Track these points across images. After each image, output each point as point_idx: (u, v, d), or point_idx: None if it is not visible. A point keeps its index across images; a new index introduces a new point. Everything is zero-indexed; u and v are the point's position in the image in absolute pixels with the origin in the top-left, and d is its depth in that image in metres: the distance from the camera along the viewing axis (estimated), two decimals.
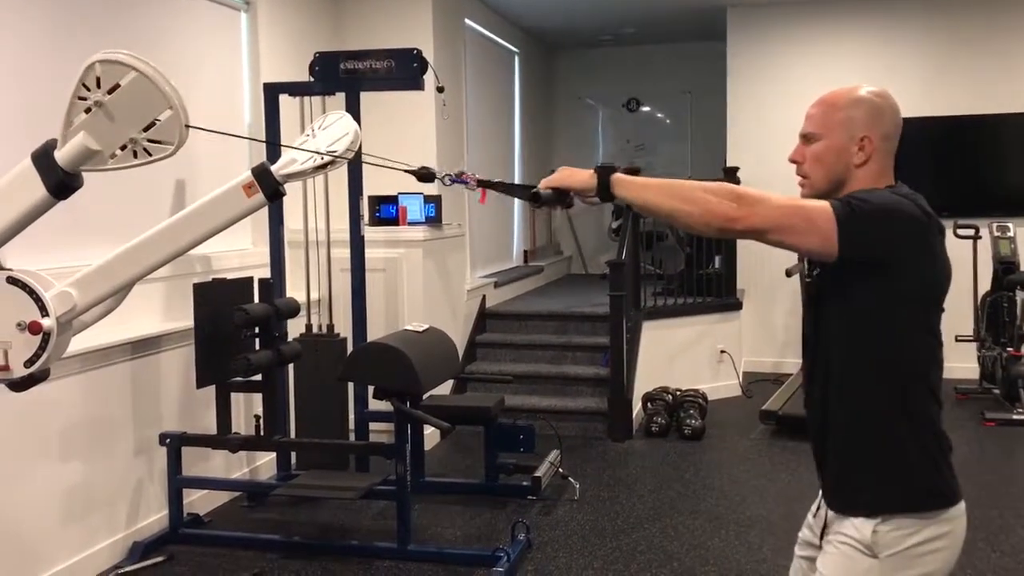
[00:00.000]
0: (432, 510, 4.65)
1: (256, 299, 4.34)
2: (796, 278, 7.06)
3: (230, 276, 4.51)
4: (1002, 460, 5.49)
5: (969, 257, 6.62)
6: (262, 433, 4.23)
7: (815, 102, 1.93)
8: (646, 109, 10.46)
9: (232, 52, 5.29)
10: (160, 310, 4.49)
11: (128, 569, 3.95)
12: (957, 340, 6.47)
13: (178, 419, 4.45)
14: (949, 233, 1.88)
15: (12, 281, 2.17)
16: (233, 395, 4.27)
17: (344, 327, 5.11)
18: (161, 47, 4.57)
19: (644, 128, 10.43)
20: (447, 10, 6.61)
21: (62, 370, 3.64)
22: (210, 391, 4.19)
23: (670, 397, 6.23)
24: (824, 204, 1.74)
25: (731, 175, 7.13)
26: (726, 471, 5.38)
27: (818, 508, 1.98)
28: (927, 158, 7.26)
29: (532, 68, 9.64)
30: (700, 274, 7.19)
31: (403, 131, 6.00)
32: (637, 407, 6.27)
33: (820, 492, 1.98)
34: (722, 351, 7.11)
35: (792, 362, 7.68)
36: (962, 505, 1.84)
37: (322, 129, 2.44)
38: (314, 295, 5.21)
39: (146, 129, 2.02)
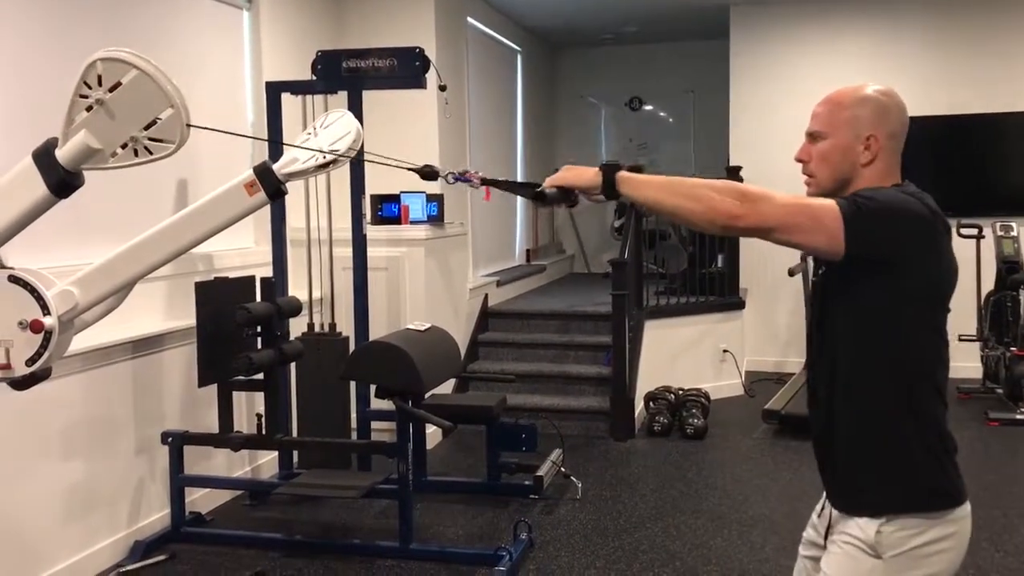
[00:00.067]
0: (434, 509, 4.64)
1: (258, 298, 4.34)
2: (799, 277, 7.05)
3: (232, 275, 4.51)
4: (1006, 460, 5.48)
5: (972, 257, 6.60)
6: (264, 432, 4.22)
7: (821, 101, 1.92)
8: (649, 108, 10.45)
9: (234, 50, 5.29)
10: (162, 309, 4.49)
11: (130, 568, 3.95)
12: (960, 340, 6.46)
13: (180, 418, 4.45)
14: (952, 233, 1.86)
15: (14, 280, 2.16)
16: (235, 394, 4.27)
17: (346, 326, 5.11)
18: (163, 45, 4.56)
19: (647, 127, 10.42)
20: (449, 9, 6.60)
21: (64, 369, 3.64)
22: (212, 390, 4.18)
23: (672, 396, 6.22)
24: (830, 202, 1.73)
25: (734, 174, 7.12)
26: (728, 470, 5.37)
27: (823, 508, 1.98)
28: (930, 157, 7.24)
29: (535, 67, 9.63)
30: (703, 273, 7.18)
31: (405, 130, 5.99)
32: (639, 406, 6.26)
33: (824, 492, 1.97)
34: (724, 350, 7.10)
35: (795, 361, 7.67)
36: (967, 506, 1.84)
37: (324, 128, 2.43)
38: (316, 294, 5.21)
39: (147, 128, 2.01)
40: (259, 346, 4.22)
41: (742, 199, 1.73)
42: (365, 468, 4.94)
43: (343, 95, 4.85)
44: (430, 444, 5.38)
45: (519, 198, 8.92)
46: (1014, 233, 6.71)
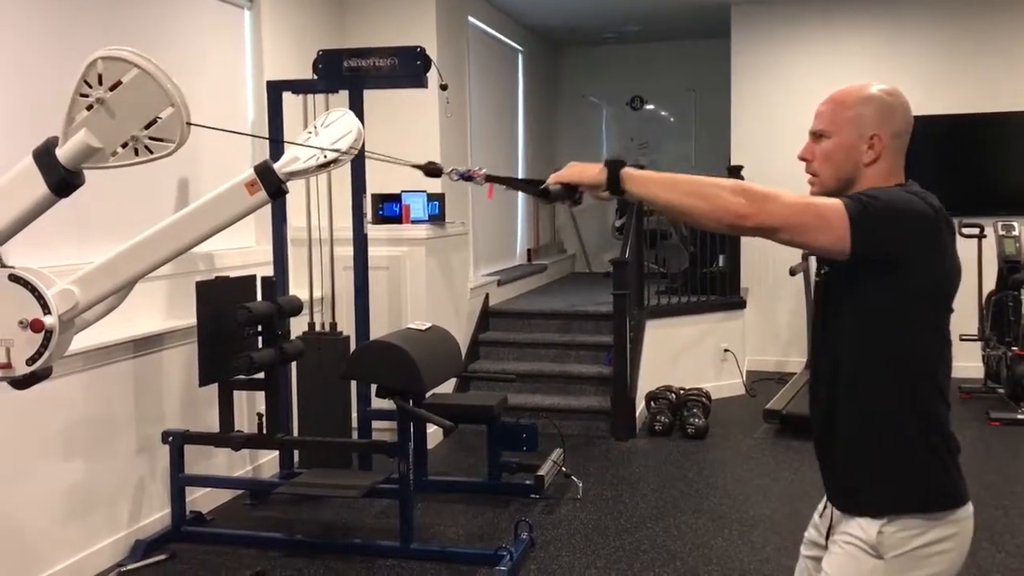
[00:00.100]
0: (435, 509, 4.64)
1: (259, 297, 4.33)
2: (800, 276, 7.05)
3: (233, 274, 4.51)
4: (1007, 460, 5.47)
5: (974, 256, 6.60)
6: (265, 431, 4.22)
7: (825, 100, 1.91)
8: (650, 107, 10.44)
9: (235, 49, 5.29)
10: (163, 308, 4.49)
11: (130, 567, 3.95)
12: (962, 339, 6.45)
13: (180, 417, 4.44)
14: (956, 233, 1.86)
15: (14, 279, 2.17)
16: (236, 393, 4.27)
17: (347, 325, 5.10)
18: (164, 44, 4.56)
19: (648, 126, 10.42)
20: (451, 8, 6.60)
21: (64, 368, 3.64)
22: (213, 389, 4.18)
23: (673, 396, 6.21)
24: (836, 202, 1.72)
25: (735, 173, 7.11)
26: (729, 470, 5.36)
27: (824, 508, 1.97)
28: (932, 157, 7.23)
29: (536, 66, 9.62)
30: (704, 273, 7.17)
31: (406, 129, 5.99)
32: (640, 406, 6.26)
33: (825, 491, 1.96)
34: (726, 350, 7.10)
35: (796, 361, 7.67)
36: (970, 507, 1.83)
37: (325, 127, 2.43)
38: (317, 293, 5.21)
39: (147, 127, 2.01)
40: (260, 345, 4.22)
41: (749, 198, 1.71)
42: (366, 468, 4.93)
43: (344, 94, 4.85)
44: (431, 444, 5.38)
45: (520, 198, 8.94)
46: (1016, 232, 6.70)
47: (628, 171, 1.84)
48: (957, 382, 6.57)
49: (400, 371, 4.05)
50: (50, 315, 2.16)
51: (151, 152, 2.04)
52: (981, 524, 1.99)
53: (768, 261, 7.72)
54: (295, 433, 4.90)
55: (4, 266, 2.21)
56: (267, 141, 4.88)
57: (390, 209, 5.78)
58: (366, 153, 2.37)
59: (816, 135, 1.91)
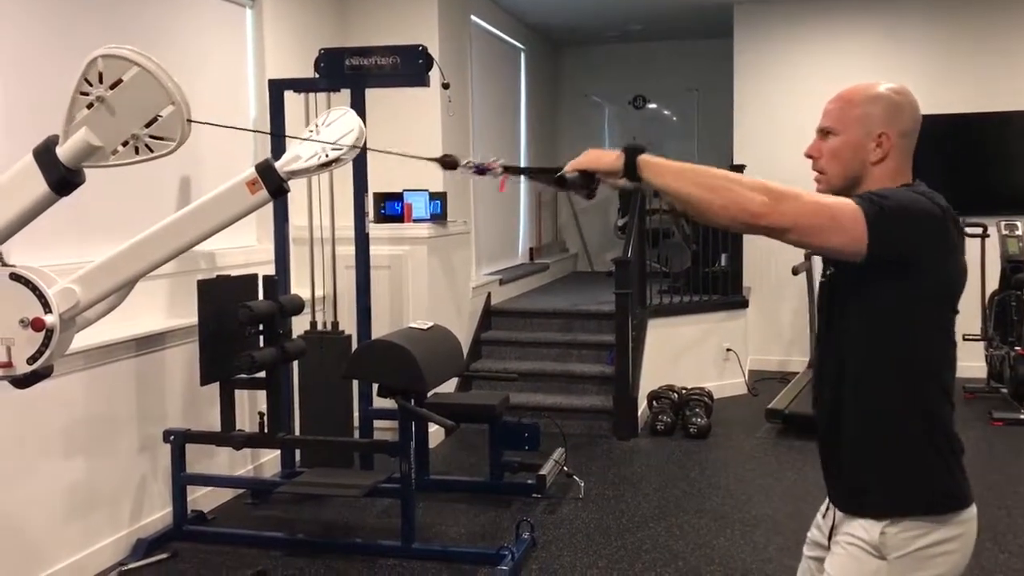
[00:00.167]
0: (436, 508, 4.63)
1: (260, 296, 4.33)
2: (802, 276, 7.04)
3: (234, 273, 4.51)
4: (1010, 460, 5.46)
5: (977, 256, 6.58)
6: (266, 430, 4.22)
7: (833, 98, 1.90)
8: (652, 106, 10.43)
9: (237, 48, 5.29)
10: (164, 307, 4.49)
11: (132, 566, 3.95)
12: (965, 339, 6.43)
13: (182, 416, 4.44)
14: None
15: (15, 277, 2.16)
16: (237, 392, 4.26)
17: (349, 324, 5.10)
18: (166, 43, 4.56)
19: (650, 125, 10.41)
20: (453, 6, 6.59)
21: (65, 367, 3.63)
22: (214, 388, 4.18)
23: (675, 395, 6.21)
24: (850, 203, 1.69)
25: (737, 172, 7.10)
26: (732, 470, 5.36)
27: (827, 508, 1.96)
28: (934, 157, 7.18)
29: (538, 65, 9.61)
30: (706, 272, 7.17)
31: (408, 127, 5.98)
32: (642, 405, 6.25)
33: (828, 492, 1.96)
34: (728, 349, 7.09)
35: (798, 360, 7.66)
36: (974, 508, 1.82)
37: (326, 125, 2.43)
38: (319, 292, 5.20)
39: (148, 125, 2.01)
40: (261, 344, 4.21)
41: (768, 196, 1.66)
42: (367, 467, 4.93)
43: (346, 93, 4.84)
44: (432, 443, 5.37)
45: (523, 197, 8.93)
46: (1019, 232, 6.69)
47: (646, 158, 1.79)
48: (960, 382, 6.51)
49: (402, 370, 4.05)
50: (51, 314, 2.15)
51: (151, 151, 2.03)
52: (984, 525, 1.98)
53: (771, 260, 7.71)
54: (296, 432, 4.90)
55: (5, 265, 2.21)
56: (268, 141, 4.87)
57: (392, 208, 5.77)
58: (382, 150, 2.35)
59: (823, 132, 1.90)
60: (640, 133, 10.36)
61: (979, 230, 6.62)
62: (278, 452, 5.02)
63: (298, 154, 2.35)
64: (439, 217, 5.89)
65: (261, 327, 4.21)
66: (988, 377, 6.73)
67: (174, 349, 4.39)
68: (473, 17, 7.24)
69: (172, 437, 4.18)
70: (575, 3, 8.21)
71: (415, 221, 5.76)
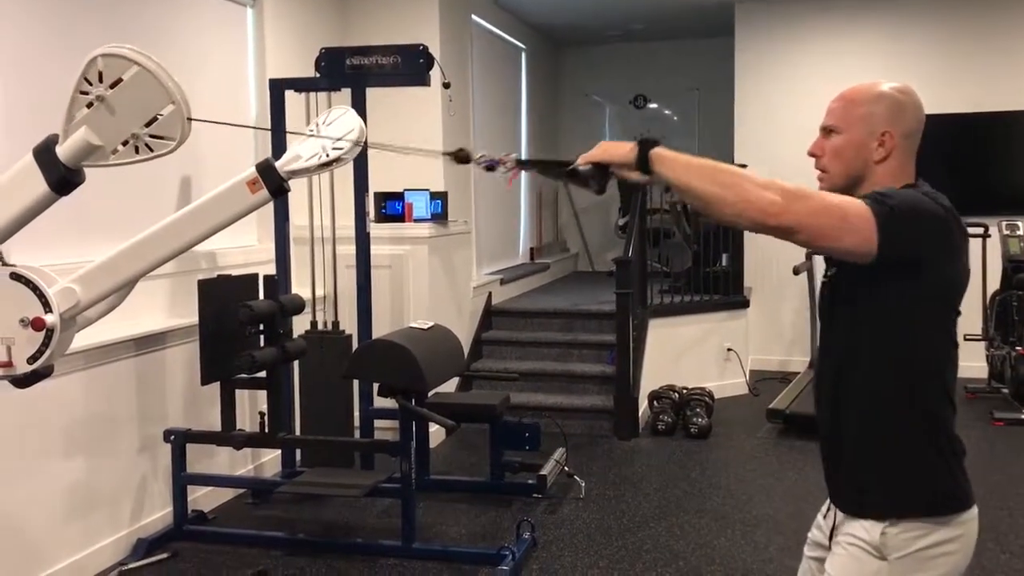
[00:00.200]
0: (437, 508, 4.63)
1: (261, 296, 4.33)
2: (804, 276, 7.03)
3: (235, 272, 4.51)
4: (1011, 460, 5.45)
5: (978, 256, 6.57)
6: (267, 430, 4.22)
7: (836, 96, 1.89)
8: (653, 106, 10.43)
9: (238, 48, 5.28)
10: (165, 307, 4.48)
11: (132, 566, 3.94)
12: (966, 339, 6.43)
13: (182, 416, 4.44)
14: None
15: (15, 277, 2.16)
16: (238, 392, 4.26)
17: (349, 324, 5.10)
18: (166, 42, 4.56)
19: (651, 125, 10.38)
20: (454, 6, 6.59)
21: (66, 366, 3.63)
22: (215, 388, 4.17)
23: (676, 395, 6.20)
24: (860, 203, 1.67)
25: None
26: (732, 470, 5.35)
27: (828, 508, 1.96)
28: (935, 156, 7.14)
29: (539, 64, 9.61)
30: (707, 272, 7.16)
31: (409, 127, 5.98)
32: (643, 405, 6.24)
33: (829, 492, 1.95)
34: (729, 349, 7.08)
35: (799, 360, 7.65)
36: (975, 509, 1.82)
37: (327, 125, 2.42)
38: (319, 292, 5.20)
39: (148, 124, 2.00)
40: (262, 344, 4.21)
41: (781, 195, 1.63)
42: (368, 467, 4.93)
43: (347, 92, 4.84)
44: (433, 443, 5.37)
45: (524, 196, 8.93)
46: (1020, 232, 6.68)
47: (659, 151, 1.76)
48: (961, 382, 6.49)
49: (402, 370, 4.04)
50: (51, 313, 2.15)
51: (151, 150, 2.03)
52: (985, 525, 1.98)
53: (772, 260, 7.70)
54: (297, 432, 4.89)
55: (5, 264, 2.20)
56: (269, 141, 4.87)
57: (393, 207, 5.77)
58: (399, 147, 2.34)
59: (826, 131, 1.89)
60: (641, 133, 10.35)
61: (980, 230, 6.62)
62: (278, 452, 5.02)
63: (298, 153, 2.34)
64: (440, 217, 5.89)
65: (262, 327, 4.20)
66: (989, 377, 6.72)
67: (174, 349, 4.38)
68: (474, 16, 7.23)
69: (172, 437, 4.18)
70: (576, 3, 8.21)
71: (416, 221, 5.76)
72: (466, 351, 6.08)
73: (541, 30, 9.41)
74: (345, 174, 4.79)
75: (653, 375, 6.38)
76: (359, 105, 4.71)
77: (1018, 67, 7.36)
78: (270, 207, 4.63)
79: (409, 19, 6.23)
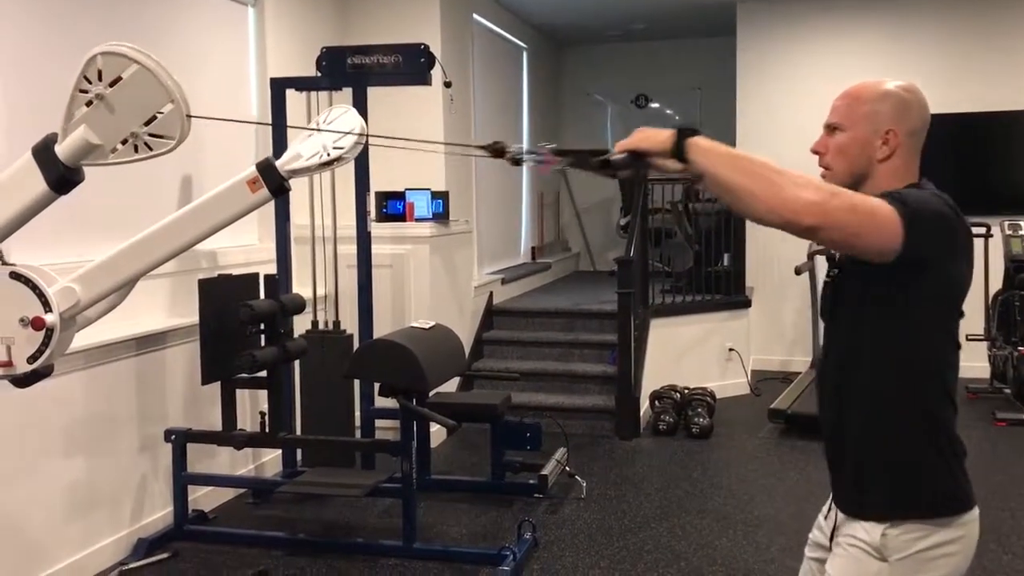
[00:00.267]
0: (438, 508, 4.62)
1: (262, 295, 4.32)
2: (805, 276, 7.02)
3: (236, 272, 4.50)
4: (1013, 460, 5.44)
5: (980, 256, 6.56)
6: (267, 430, 4.21)
7: (841, 94, 1.89)
8: (655, 105, 10.42)
9: (239, 47, 5.28)
10: (165, 306, 4.48)
11: (132, 566, 3.94)
12: (968, 339, 6.41)
13: (183, 415, 4.43)
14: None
15: (15, 276, 2.16)
16: (238, 392, 4.25)
17: (350, 323, 5.09)
18: (167, 42, 4.55)
19: (653, 124, 10.03)
20: (455, 5, 6.58)
21: (66, 366, 3.63)
22: (215, 387, 4.17)
23: (678, 395, 6.20)
24: (884, 202, 1.66)
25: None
26: (734, 470, 5.34)
27: (829, 509, 1.95)
28: (937, 156, 7.14)
29: (540, 63, 9.60)
30: (709, 272, 7.15)
31: (410, 126, 5.96)
32: (645, 405, 6.24)
33: (831, 493, 1.95)
34: (730, 349, 7.07)
35: (801, 360, 7.64)
36: (976, 511, 1.81)
37: (327, 123, 2.42)
38: (320, 291, 5.19)
39: (147, 123, 2.00)
40: (262, 344, 4.20)
41: (816, 195, 1.60)
42: (369, 466, 4.92)
43: (348, 92, 4.83)
44: (434, 442, 5.37)
45: (525, 195, 8.92)
46: (1022, 232, 6.67)
47: (696, 140, 1.72)
48: (963, 382, 6.52)
49: (403, 370, 4.04)
50: (51, 313, 2.15)
51: (150, 149, 2.03)
52: (987, 526, 1.97)
53: (773, 260, 7.70)
54: (298, 432, 4.89)
55: (5, 263, 2.20)
56: (271, 141, 4.86)
57: (394, 207, 5.77)
58: (427, 140, 2.33)
59: (830, 128, 1.88)
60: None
61: (983, 230, 6.60)
62: (279, 452, 5.01)
63: (299, 152, 2.34)
64: (441, 216, 5.88)
65: (262, 326, 4.20)
66: (991, 377, 6.71)
67: (175, 348, 4.38)
68: (475, 15, 7.23)
69: (173, 436, 4.17)
70: (578, 2, 8.20)
71: (417, 220, 5.75)
72: (467, 351, 6.07)
73: (542, 29, 9.41)
74: (346, 173, 4.78)
75: (654, 375, 6.37)
76: (360, 104, 4.71)
77: (1020, 66, 7.35)
78: (271, 206, 4.62)
79: (410, 18, 6.23)
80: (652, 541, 4.21)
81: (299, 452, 5.00)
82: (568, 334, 6.76)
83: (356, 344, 4.90)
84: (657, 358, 6.50)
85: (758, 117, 7.91)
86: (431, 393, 4.36)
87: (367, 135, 2.46)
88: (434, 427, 4.97)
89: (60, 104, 2.02)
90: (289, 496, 4.69)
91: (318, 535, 4.36)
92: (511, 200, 8.55)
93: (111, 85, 1.97)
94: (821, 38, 7.81)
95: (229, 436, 4.17)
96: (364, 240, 4.97)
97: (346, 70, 4.80)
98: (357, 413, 5.06)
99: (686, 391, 6.24)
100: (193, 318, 4.22)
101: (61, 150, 2.02)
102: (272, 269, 4.81)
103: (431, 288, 5.73)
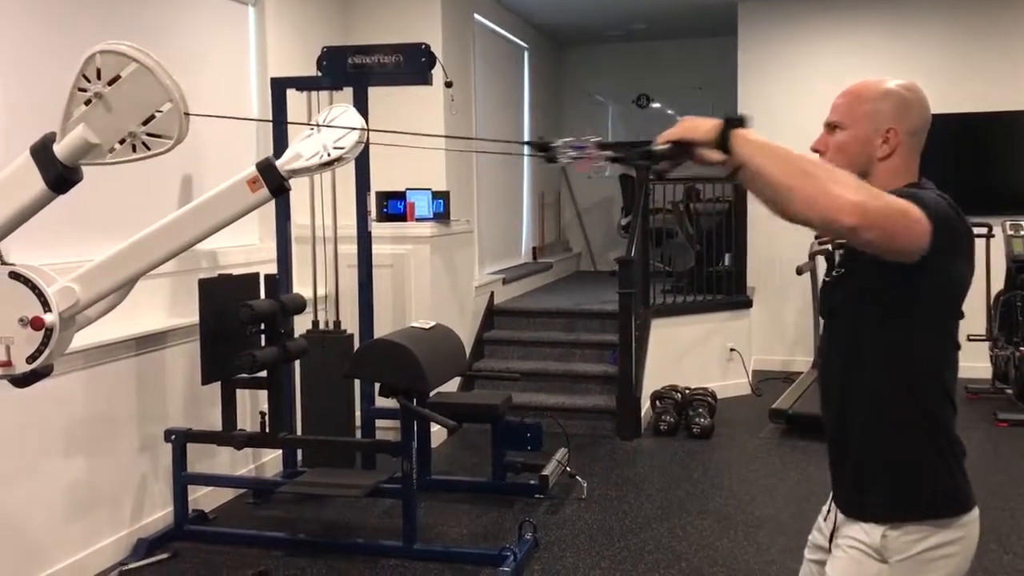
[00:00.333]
0: (438, 508, 4.62)
1: (262, 295, 4.32)
2: (807, 276, 7.01)
3: (236, 272, 4.50)
4: (1014, 461, 5.43)
5: (982, 256, 6.55)
6: (267, 430, 4.20)
7: (842, 92, 1.88)
8: (656, 105, 10.41)
9: (240, 46, 5.27)
10: (165, 306, 4.47)
11: (132, 566, 3.93)
12: (970, 339, 6.40)
13: (183, 415, 4.43)
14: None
15: (14, 276, 2.15)
16: (239, 392, 4.25)
17: (351, 323, 5.08)
18: (168, 41, 4.55)
19: (654, 124, 10.37)
20: (456, 5, 6.58)
21: (65, 366, 3.62)
22: (215, 387, 4.17)
23: (679, 395, 6.19)
24: (911, 204, 1.63)
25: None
26: (735, 470, 5.34)
27: (828, 510, 1.95)
28: (939, 156, 7.14)
29: (542, 63, 9.60)
30: (710, 271, 7.15)
31: (411, 126, 5.85)
32: (646, 405, 6.23)
33: (831, 494, 1.94)
34: (732, 349, 7.06)
35: (802, 360, 7.63)
36: (976, 511, 1.81)
37: (328, 123, 2.41)
38: (321, 291, 5.19)
39: (145, 123, 1.99)
40: (263, 344, 4.20)
41: (862, 196, 1.56)
42: (369, 467, 4.92)
43: (348, 91, 4.82)
44: (435, 443, 5.36)
45: (526, 195, 8.91)
46: None
47: (743, 132, 1.68)
48: (964, 382, 6.54)
49: (404, 370, 4.03)
50: (50, 313, 2.14)
51: (148, 149, 2.02)
52: (988, 526, 1.97)
53: (774, 260, 7.69)
54: (298, 432, 4.89)
55: (4, 263, 2.20)
56: (271, 140, 4.86)
57: (395, 207, 5.76)
58: (469, 138, 2.32)
59: (831, 127, 1.88)
60: (644, 132, 10.34)
61: (984, 230, 6.59)
62: (279, 452, 5.01)
63: (299, 152, 2.33)
64: (442, 216, 5.88)
65: (263, 326, 4.19)
66: (993, 378, 6.70)
67: (175, 348, 4.37)
68: (476, 15, 7.22)
69: (173, 436, 4.16)
70: (579, 2, 8.19)
71: (418, 220, 5.75)
72: (468, 351, 6.07)
73: (544, 29, 9.40)
74: (347, 173, 4.77)
75: (655, 375, 6.37)
76: (361, 104, 4.70)
77: (1020, 66, 7.34)
78: (272, 206, 4.61)
79: (411, 18, 6.22)
80: (653, 542, 4.20)
81: (299, 452, 5.00)
82: (569, 334, 6.76)
83: (356, 344, 4.89)
84: (658, 358, 6.49)
85: (759, 117, 7.74)
86: (432, 393, 4.35)
87: (367, 130, 2.46)
88: (435, 427, 4.96)
89: (59, 104, 2.01)
90: (289, 496, 4.69)
91: (318, 535, 4.35)
92: (512, 200, 8.55)
93: (110, 84, 1.96)
94: (822, 38, 7.80)
95: (229, 436, 4.16)
96: (365, 240, 4.97)
97: (347, 70, 4.79)
98: (357, 413, 5.05)
99: (687, 391, 6.24)
100: (193, 318, 4.22)
101: (59, 149, 2.02)
102: (272, 269, 4.81)
103: (432, 288, 5.72)
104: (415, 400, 4.09)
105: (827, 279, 1.93)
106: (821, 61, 7.68)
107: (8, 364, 2.17)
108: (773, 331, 7.92)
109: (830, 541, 1.90)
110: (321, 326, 5.06)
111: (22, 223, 2.13)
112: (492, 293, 7.08)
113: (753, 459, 5.53)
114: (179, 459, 4.17)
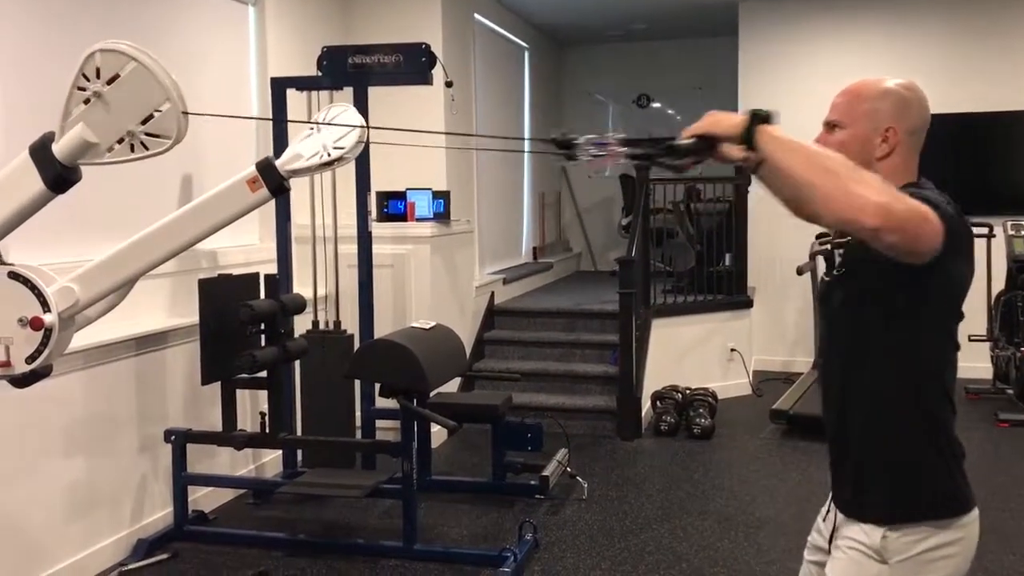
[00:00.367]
0: (439, 509, 4.61)
1: (262, 295, 4.31)
2: (807, 276, 7.01)
3: (236, 272, 4.49)
4: (1015, 461, 5.42)
5: (983, 256, 6.54)
6: (267, 430, 4.20)
7: (841, 91, 1.88)
8: (656, 105, 10.41)
9: (240, 46, 5.27)
10: (165, 306, 4.47)
11: (132, 567, 3.93)
12: (970, 340, 6.40)
13: (183, 416, 4.42)
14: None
15: (14, 276, 2.15)
16: (239, 392, 4.24)
17: (351, 324, 5.08)
18: (168, 41, 4.54)
19: (655, 124, 10.37)
20: (456, 5, 6.57)
21: (65, 366, 3.62)
22: (215, 388, 4.16)
23: (679, 396, 6.18)
24: (924, 204, 1.60)
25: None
26: (736, 471, 5.33)
27: (828, 511, 1.95)
28: (940, 156, 7.13)
29: (542, 63, 9.59)
30: (710, 272, 7.14)
31: (411, 126, 5.82)
32: (646, 406, 6.22)
33: (830, 495, 1.94)
34: (732, 349, 7.06)
35: (803, 361, 7.63)
36: (975, 512, 1.81)
37: (327, 123, 2.41)
38: (321, 291, 5.18)
39: (144, 122, 1.98)
40: (263, 344, 4.19)
41: (887, 199, 1.53)
42: (369, 467, 4.91)
43: (349, 91, 4.82)
44: (435, 443, 5.36)
45: (526, 194, 8.91)
46: None
47: (769, 128, 1.64)
48: (965, 383, 6.54)
49: (404, 370, 4.03)
50: (50, 313, 2.14)
51: (147, 148, 2.01)
52: (989, 526, 1.96)
53: (775, 260, 7.68)
54: (298, 432, 4.88)
55: (3, 263, 2.19)
56: (271, 140, 4.86)
57: (395, 207, 5.76)
58: (485, 135, 2.33)
59: (830, 126, 1.87)
60: (644, 132, 10.31)
61: (985, 230, 6.59)
62: (279, 452, 5.00)
63: (299, 152, 2.33)
64: (442, 216, 5.87)
65: (263, 326, 4.19)
66: (994, 378, 6.70)
67: (175, 348, 4.37)
68: (476, 15, 7.22)
69: (173, 437, 4.16)
70: (579, 2, 8.19)
71: (418, 220, 5.74)
72: (468, 351, 6.06)
73: (544, 29, 9.40)
74: (347, 173, 4.77)
75: (656, 375, 6.36)
76: (361, 104, 4.69)
77: (1020, 66, 7.33)
78: (272, 206, 4.61)
79: (411, 18, 6.22)
80: (653, 542, 4.20)
81: (299, 452, 4.99)
82: (569, 334, 6.75)
83: (357, 344, 4.89)
84: (658, 358, 6.49)
85: None
86: (432, 393, 4.35)
87: (367, 128, 2.45)
88: (435, 428, 4.96)
89: (59, 104, 2.01)
90: (289, 497, 4.68)
91: (318, 536, 4.35)
92: (512, 200, 8.54)
93: (109, 83, 1.96)
94: (822, 38, 7.79)
95: (229, 436, 4.16)
96: (365, 240, 4.96)
97: (347, 69, 4.79)
98: (357, 413, 5.05)
99: (688, 391, 6.23)
100: (193, 318, 4.22)
101: (58, 149, 2.01)
102: (272, 269, 4.80)
103: (432, 288, 5.72)
104: (415, 400, 4.09)
105: (826, 279, 1.93)
106: (821, 61, 7.68)
107: (7, 364, 2.17)
108: (774, 331, 7.92)
109: (829, 542, 1.90)
110: (321, 326, 5.06)
111: (21, 223, 2.12)
112: (492, 293, 7.07)
113: (754, 460, 5.52)
114: (179, 459, 4.17)
